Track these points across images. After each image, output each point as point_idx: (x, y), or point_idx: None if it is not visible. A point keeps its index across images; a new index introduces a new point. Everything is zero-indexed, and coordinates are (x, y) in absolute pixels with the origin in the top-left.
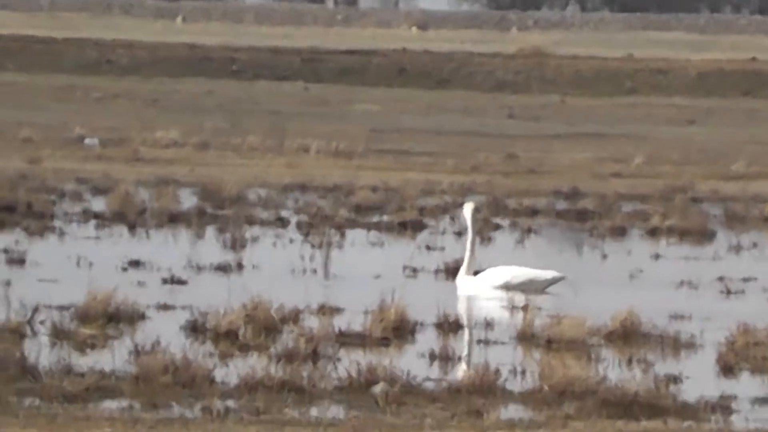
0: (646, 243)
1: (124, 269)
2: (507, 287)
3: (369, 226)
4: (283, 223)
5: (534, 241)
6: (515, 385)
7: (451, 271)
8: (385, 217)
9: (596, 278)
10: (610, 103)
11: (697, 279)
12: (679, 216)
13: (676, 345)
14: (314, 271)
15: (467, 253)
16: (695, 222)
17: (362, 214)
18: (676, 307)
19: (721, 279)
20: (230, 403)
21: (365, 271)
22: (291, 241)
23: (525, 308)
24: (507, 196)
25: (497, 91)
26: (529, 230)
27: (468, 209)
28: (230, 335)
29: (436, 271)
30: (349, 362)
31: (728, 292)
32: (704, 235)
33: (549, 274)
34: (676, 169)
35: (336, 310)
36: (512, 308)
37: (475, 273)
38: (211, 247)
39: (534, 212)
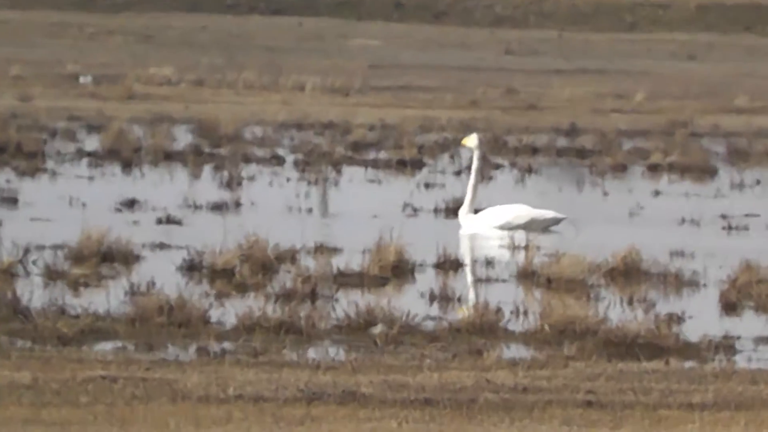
0: (646, 180)
1: (118, 208)
2: (508, 226)
3: (367, 164)
4: (279, 161)
5: (534, 180)
6: (516, 325)
7: (451, 210)
8: (383, 155)
9: (597, 216)
10: (610, 38)
11: (699, 216)
12: (681, 152)
13: (678, 283)
14: (311, 209)
15: (470, 189)
16: (697, 158)
17: (360, 151)
18: (677, 245)
19: (723, 216)
20: (227, 344)
21: (363, 210)
22: (287, 179)
23: (526, 247)
24: (506, 133)
25: (495, 25)
26: (529, 168)
27: (473, 141)
28: (226, 275)
29: (436, 210)
30: (348, 302)
31: (731, 228)
32: (706, 171)
33: (550, 213)
34: (677, 104)
35: (334, 250)
36: (513, 247)
37: (476, 212)
38: (206, 186)
39: (534, 150)
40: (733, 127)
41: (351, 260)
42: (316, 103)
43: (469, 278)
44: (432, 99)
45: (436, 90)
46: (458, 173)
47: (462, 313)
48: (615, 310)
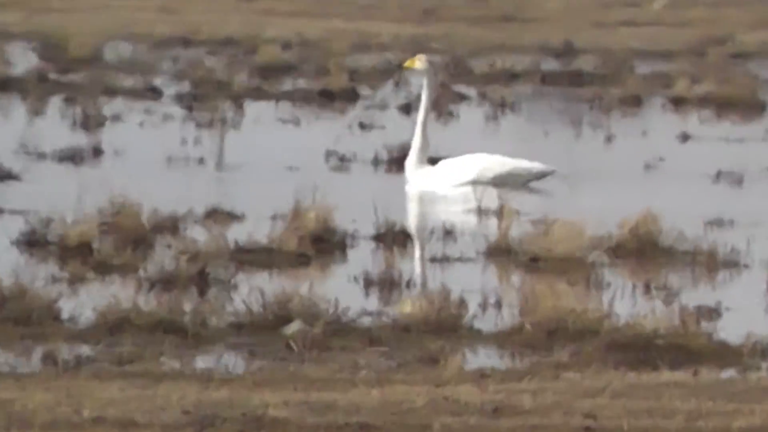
0: (669, 118)
1: None
2: (475, 182)
3: (279, 97)
4: (156, 93)
5: (512, 118)
6: (486, 322)
7: (396, 160)
8: (302, 84)
9: (599, 169)
10: None
11: (742, 168)
12: (717, 80)
13: (712, 263)
14: (201, 160)
15: (418, 131)
16: (739, 88)
17: (269, 79)
18: (710, 209)
19: None
20: (84, 349)
21: (274, 160)
22: (167, 117)
23: (500, 212)
24: (474, 54)
25: None
26: (503, 103)
27: (421, 64)
28: (82, 252)
29: (375, 161)
30: (251, 290)
31: None
32: (752, 106)
33: (533, 164)
34: (712, 13)
35: (232, 216)
36: (482, 212)
37: (432, 163)
38: (54, 126)
39: (512, 77)
40: None
41: (256, 231)
42: (209, 10)
43: (421, 256)
44: (370, 6)
45: None
46: (406, 109)
47: (411, 305)
48: (624, 301)
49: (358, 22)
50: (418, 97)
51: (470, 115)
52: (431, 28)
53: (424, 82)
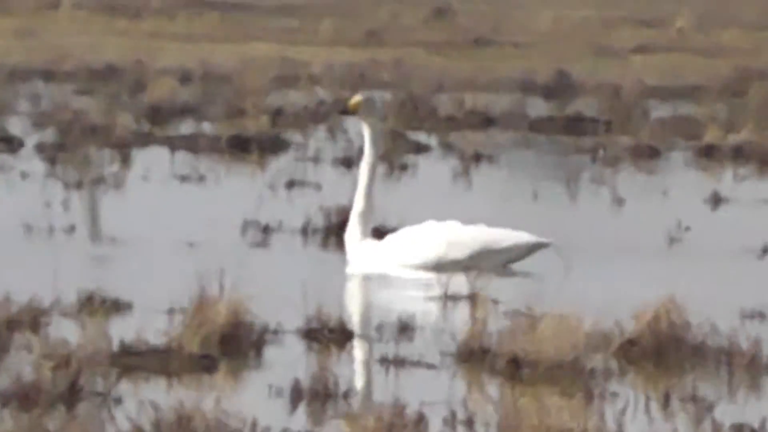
0: (695, 176)
1: None
2: (439, 263)
3: (175, 146)
4: (10, 142)
5: (487, 176)
6: None
7: (333, 230)
8: (207, 129)
9: (604, 243)
10: None
11: None
12: (757, 126)
13: (754, 367)
14: (72, 229)
15: (360, 194)
16: None
17: (162, 122)
18: (752, 297)
19: None
20: None
21: (169, 232)
22: (25, 175)
23: (472, 301)
24: (435, 90)
25: None
26: (476, 156)
27: (364, 104)
28: None
29: (304, 231)
30: (140, 405)
31: None
32: None
33: (518, 236)
34: (750, 37)
35: (114, 307)
36: (447, 301)
37: (379, 235)
38: None
39: (486, 121)
40: None
41: (145, 326)
42: (81, 31)
43: (366, 359)
44: (297, 28)
45: (305, 11)
46: (346, 163)
47: (352, 424)
48: (637, 419)
49: (282, 47)
50: (361, 148)
51: (431, 171)
52: (378, 54)
53: (367, 127)
